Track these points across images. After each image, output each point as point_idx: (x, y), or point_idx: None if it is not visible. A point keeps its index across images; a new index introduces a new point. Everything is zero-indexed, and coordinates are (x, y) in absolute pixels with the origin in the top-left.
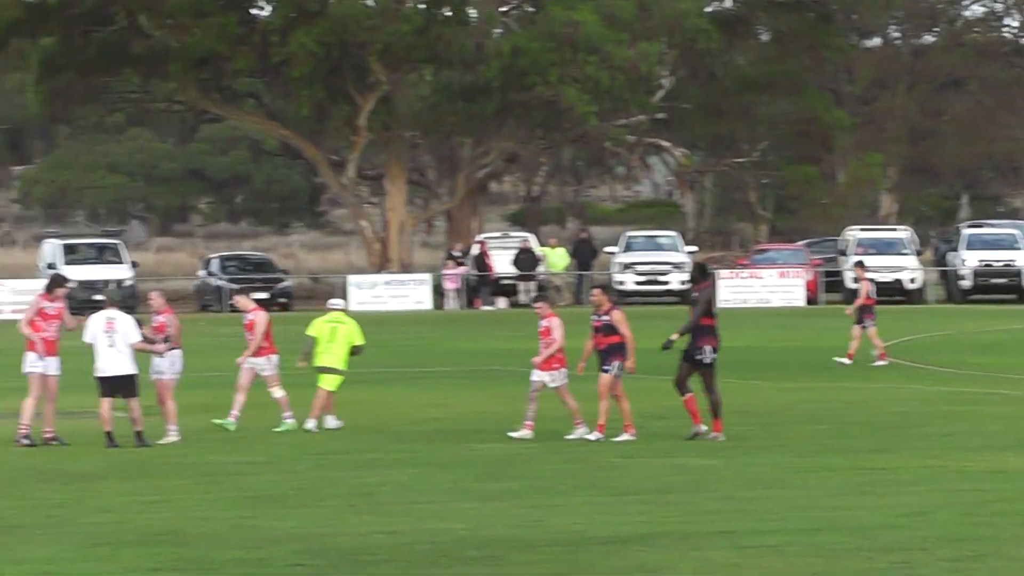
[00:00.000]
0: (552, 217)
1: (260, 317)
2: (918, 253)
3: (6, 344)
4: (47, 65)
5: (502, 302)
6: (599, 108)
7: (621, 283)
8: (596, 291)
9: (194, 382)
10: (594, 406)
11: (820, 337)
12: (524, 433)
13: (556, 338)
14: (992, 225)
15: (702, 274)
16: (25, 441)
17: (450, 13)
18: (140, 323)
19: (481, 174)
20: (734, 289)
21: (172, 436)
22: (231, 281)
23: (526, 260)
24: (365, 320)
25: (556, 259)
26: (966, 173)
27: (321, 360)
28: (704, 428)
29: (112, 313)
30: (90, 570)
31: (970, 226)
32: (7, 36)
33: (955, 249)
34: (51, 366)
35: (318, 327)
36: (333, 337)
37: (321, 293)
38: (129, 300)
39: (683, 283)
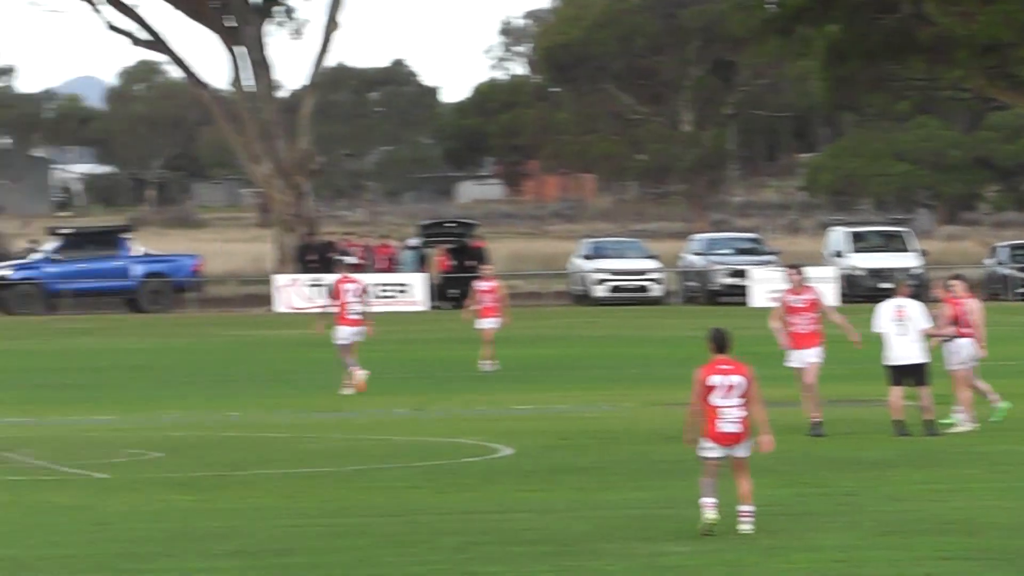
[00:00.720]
0: None
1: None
2: None
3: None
4: (832, 52)
5: None
6: None
7: None
8: None
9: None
10: None
11: None
12: None
13: None
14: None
15: None
16: (817, 431)
17: None
18: (931, 311)
19: None
20: None
21: (965, 424)
22: (1020, 270)
23: None
24: None
25: None
26: None
27: None
28: None
29: (902, 301)
30: (880, 557)
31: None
32: (792, 23)
33: None
34: (806, 357)
35: None
36: None
37: None
38: (918, 288)
39: None
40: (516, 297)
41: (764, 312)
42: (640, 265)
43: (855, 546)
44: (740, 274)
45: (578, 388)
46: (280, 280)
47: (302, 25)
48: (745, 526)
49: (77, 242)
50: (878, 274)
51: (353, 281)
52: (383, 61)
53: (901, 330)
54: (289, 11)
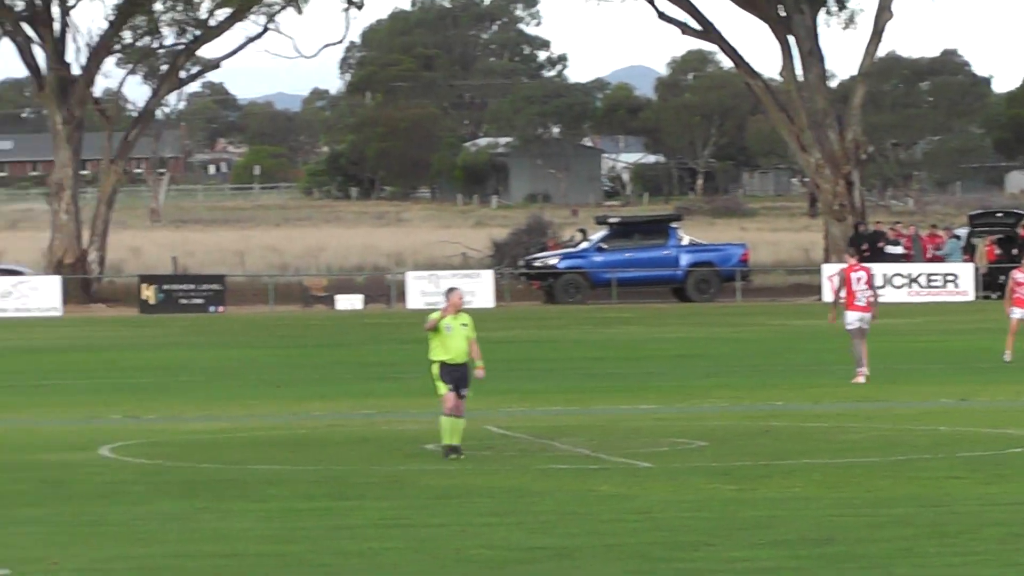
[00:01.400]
0: None
1: None
2: None
3: None
4: None
5: None
6: None
7: None
8: None
9: None
10: None
11: None
12: None
13: None
14: None
15: None
16: None
17: None
18: None
19: None
20: None
21: None
22: None
23: None
24: None
25: None
26: None
27: None
28: None
29: None
30: None
31: None
32: None
33: None
34: None
35: None
36: None
37: None
38: None
39: None
40: None
41: None
42: None
43: None
44: None
45: None
46: (829, 270)
47: (854, 14)
48: None
49: (625, 231)
50: None
51: (861, 269)
52: (934, 51)
53: None
54: (842, 1)
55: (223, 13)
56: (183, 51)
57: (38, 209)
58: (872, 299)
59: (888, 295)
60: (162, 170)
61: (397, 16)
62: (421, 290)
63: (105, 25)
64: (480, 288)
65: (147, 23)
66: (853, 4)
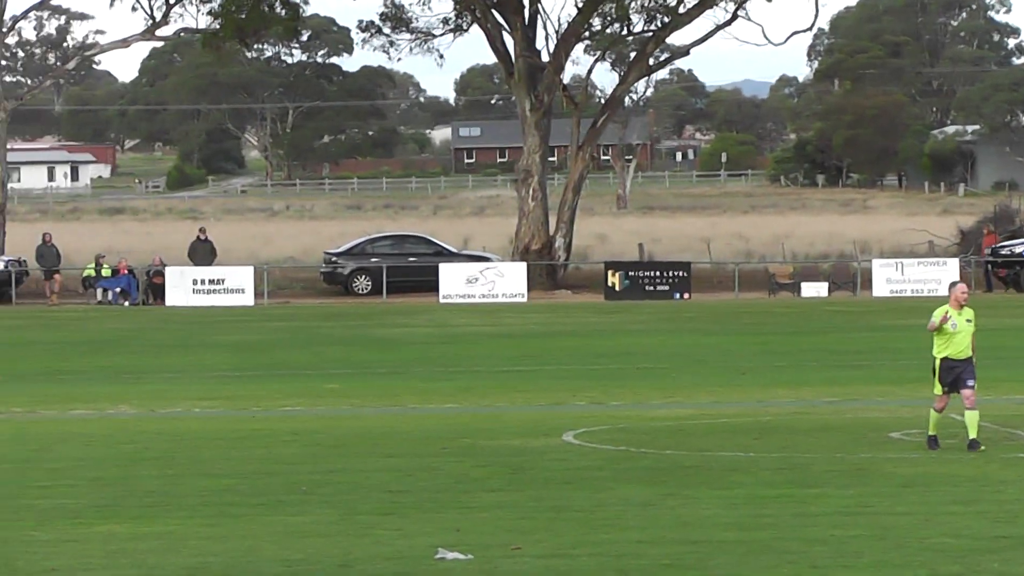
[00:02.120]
0: None
1: None
2: None
3: None
4: None
5: None
6: None
7: None
8: None
9: None
10: None
11: None
12: None
13: None
14: None
15: None
16: None
17: None
18: None
19: None
20: None
21: None
22: None
23: None
24: None
25: None
26: None
27: None
28: None
29: None
30: None
31: None
32: None
33: None
34: None
35: None
36: None
37: None
38: None
39: None
40: None
41: None
42: None
43: None
44: None
45: None
46: None
47: None
48: None
49: None
50: None
51: None
52: None
53: None
54: None
55: (692, 0)
56: (652, 38)
57: (505, 195)
58: None
59: None
60: (629, 157)
61: (866, 3)
62: (887, 277)
63: (574, 12)
64: (946, 276)
65: (616, 10)
66: None
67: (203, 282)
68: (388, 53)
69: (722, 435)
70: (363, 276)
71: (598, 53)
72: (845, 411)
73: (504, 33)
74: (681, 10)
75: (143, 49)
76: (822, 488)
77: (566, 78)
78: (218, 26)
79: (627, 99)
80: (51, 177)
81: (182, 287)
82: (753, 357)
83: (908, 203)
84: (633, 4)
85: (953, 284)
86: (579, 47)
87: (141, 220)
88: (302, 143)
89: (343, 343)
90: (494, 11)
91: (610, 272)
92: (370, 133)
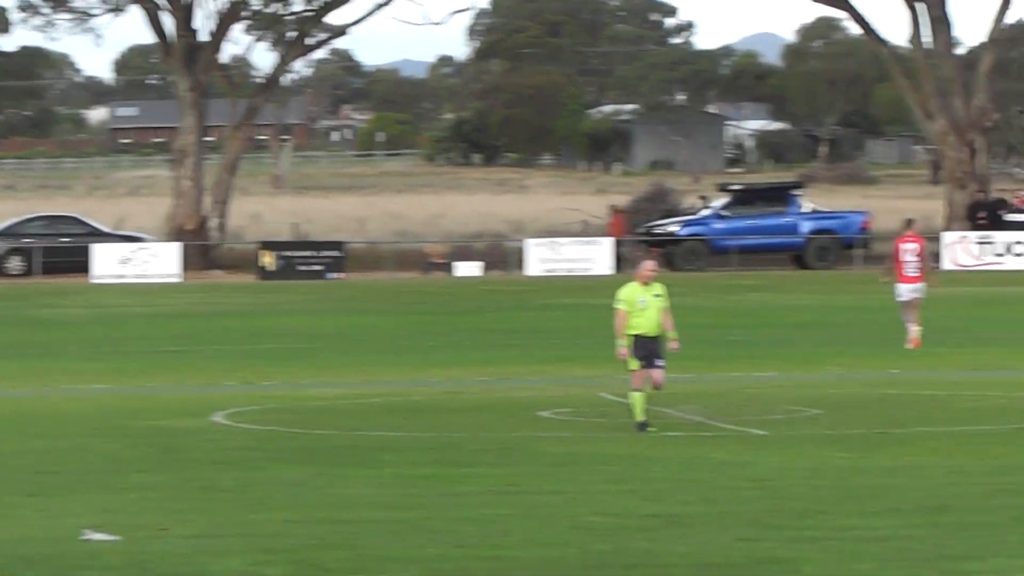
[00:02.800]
0: None
1: None
2: None
3: None
4: None
5: None
6: None
7: None
8: None
9: None
10: None
11: None
12: None
13: None
14: None
15: None
16: None
17: None
18: None
19: None
20: None
21: None
22: None
23: None
24: None
25: None
26: None
27: None
28: None
29: None
30: None
31: None
32: None
33: None
34: None
35: None
36: None
37: None
38: None
39: None
40: None
41: None
42: None
43: None
44: None
45: None
46: (948, 237)
47: None
48: None
49: (747, 198)
50: None
51: (913, 241)
52: None
53: None
54: None
55: None
56: (311, 18)
57: (159, 176)
58: (925, 270)
59: (1008, 263)
60: (286, 137)
61: None
62: (540, 257)
63: None
64: (599, 256)
65: None
66: None
67: None
68: (47, 32)
69: (373, 415)
70: (16, 257)
71: (257, 33)
72: (496, 390)
73: (162, 12)
74: None
75: None
76: (471, 467)
77: (225, 58)
78: None
79: (285, 79)
80: None
81: None
82: (407, 337)
83: (564, 182)
84: None
85: (640, 262)
86: (238, 27)
87: None
88: None
89: None
90: None
91: (263, 252)
92: (26, 113)
